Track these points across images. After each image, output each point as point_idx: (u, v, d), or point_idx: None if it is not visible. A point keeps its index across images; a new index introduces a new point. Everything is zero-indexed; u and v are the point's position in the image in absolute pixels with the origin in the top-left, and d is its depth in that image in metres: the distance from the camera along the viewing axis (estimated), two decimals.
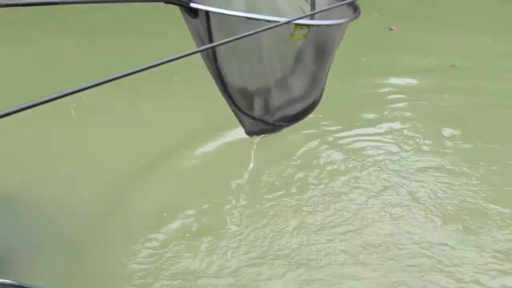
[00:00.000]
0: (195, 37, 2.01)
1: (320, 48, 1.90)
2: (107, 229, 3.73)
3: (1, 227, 3.73)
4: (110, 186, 4.13)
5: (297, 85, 2.02)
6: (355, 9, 1.92)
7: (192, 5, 1.83)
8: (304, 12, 2.06)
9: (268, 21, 1.62)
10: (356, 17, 1.86)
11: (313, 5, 2.04)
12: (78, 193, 4.05)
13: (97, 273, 3.40)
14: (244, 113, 2.15)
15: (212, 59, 2.03)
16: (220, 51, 2.00)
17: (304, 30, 1.70)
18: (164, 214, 3.87)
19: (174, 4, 1.83)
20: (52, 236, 3.68)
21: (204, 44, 1.95)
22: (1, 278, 2.18)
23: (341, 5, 1.89)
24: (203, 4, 1.82)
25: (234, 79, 2.07)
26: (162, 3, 1.78)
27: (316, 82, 2.03)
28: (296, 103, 2.07)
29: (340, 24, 1.78)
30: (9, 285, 2.13)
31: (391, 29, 2.82)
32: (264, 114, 2.10)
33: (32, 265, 3.41)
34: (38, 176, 4.21)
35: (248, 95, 2.09)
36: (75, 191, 4.09)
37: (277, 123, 2.11)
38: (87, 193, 4.05)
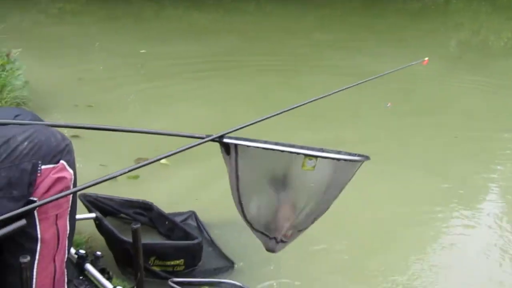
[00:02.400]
0: (229, 171, 2.04)
1: (328, 181, 1.87)
2: None
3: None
4: None
5: (305, 211, 1.99)
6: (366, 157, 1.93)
7: (225, 140, 1.91)
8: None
9: (282, 151, 1.74)
10: (360, 161, 1.85)
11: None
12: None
13: None
14: (262, 233, 2.12)
15: (236, 190, 2.03)
16: (242, 183, 2.01)
17: (313, 162, 1.74)
18: None
19: (215, 141, 1.91)
20: None
21: (234, 175, 2.00)
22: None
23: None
24: (234, 140, 1.90)
25: (251, 207, 2.08)
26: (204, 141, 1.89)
27: (320, 210, 2.01)
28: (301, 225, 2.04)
29: (345, 160, 1.78)
30: None
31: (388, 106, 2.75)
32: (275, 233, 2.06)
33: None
34: None
35: (264, 219, 2.07)
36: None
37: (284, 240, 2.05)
38: None
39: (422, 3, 13.76)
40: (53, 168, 1.67)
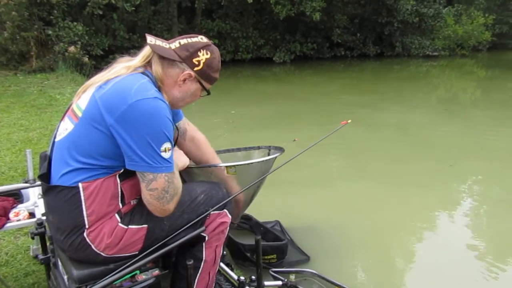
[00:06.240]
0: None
1: (249, 177, 1.78)
2: None
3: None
4: None
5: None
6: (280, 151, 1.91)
7: None
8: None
9: (215, 166, 1.74)
10: (268, 160, 1.81)
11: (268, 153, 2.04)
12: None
13: None
14: None
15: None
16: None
17: (233, 169, 1.69)
18: None
19: None
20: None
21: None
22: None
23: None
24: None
25: None
26: None
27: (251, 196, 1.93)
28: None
29: (251, 163, 1.72)
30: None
31: (295, 140, 2.39)
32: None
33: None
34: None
35: None
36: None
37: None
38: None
39: (410, 72, 13.54)
40: (219, 214, 1.62)
